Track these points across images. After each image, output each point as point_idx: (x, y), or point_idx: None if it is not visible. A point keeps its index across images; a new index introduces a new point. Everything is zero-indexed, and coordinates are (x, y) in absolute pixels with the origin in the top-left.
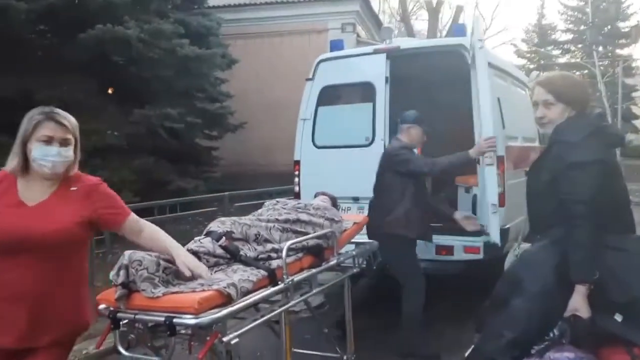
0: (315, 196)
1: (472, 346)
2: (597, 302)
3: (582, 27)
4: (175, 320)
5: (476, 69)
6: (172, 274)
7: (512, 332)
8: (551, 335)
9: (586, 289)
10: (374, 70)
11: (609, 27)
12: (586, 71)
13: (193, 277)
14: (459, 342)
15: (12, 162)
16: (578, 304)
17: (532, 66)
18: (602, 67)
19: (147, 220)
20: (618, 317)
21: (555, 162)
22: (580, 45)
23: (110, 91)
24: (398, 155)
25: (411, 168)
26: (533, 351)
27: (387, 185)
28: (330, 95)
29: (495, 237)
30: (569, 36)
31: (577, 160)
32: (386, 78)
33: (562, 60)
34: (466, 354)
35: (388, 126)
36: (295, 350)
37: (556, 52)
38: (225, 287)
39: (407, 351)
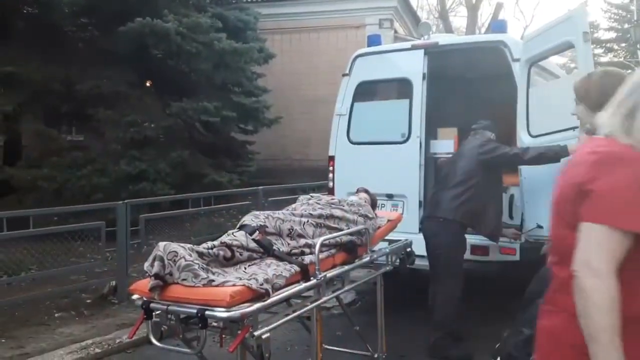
0: (357, 191)
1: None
2: None
3: (626, 26)
4: (207, 312)
5: (579, 64)
6: (211, 261)
7: (531, 329)
8: None
9: None
10: (412, 66)
11: None
12: (629, 71)
13: (231, 265)
14: (493, 343)
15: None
16: None
17: (573, 65)
18: None
19: (181, 212)
20: None
21: None
22: (623, 44)
23: (148, 84)
24: (486, 144)
25: (501, 151)
26: None
27: (462, 173)
28: (366, 91)
29: None
30: (612, 35)
31: None
32: (424, 74)
33: (605, 59)
34: (496, 347)
35: (424, 123)
36: (326, 346)
37: (599, 50)
38: (261, 285)
39: (439, 353)
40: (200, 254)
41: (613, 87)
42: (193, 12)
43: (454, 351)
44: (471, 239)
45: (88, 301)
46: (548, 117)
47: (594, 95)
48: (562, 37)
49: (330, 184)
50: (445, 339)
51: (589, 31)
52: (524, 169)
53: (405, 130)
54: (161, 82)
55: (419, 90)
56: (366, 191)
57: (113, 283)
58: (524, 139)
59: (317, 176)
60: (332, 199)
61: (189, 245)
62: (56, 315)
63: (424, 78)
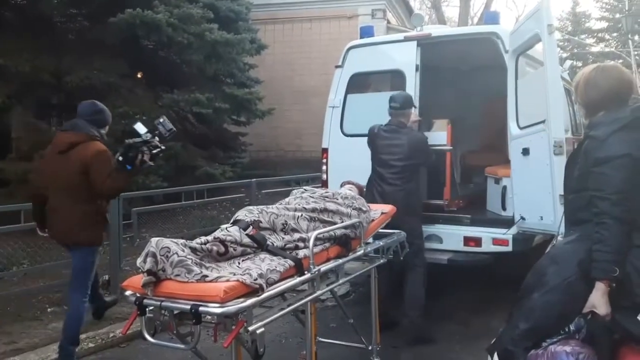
0: (342, 185)
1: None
2: (621, 302)
3: (617, 15)
4: (201, 308)
5: (545, 56)
6: (204, 256)
7: (527, 323)
8: (567, 330)
9: (606, 286)
10: (405, 58)
11: None
12: (621, 60)
13: (225, 260)
14: (486, 333)
15: None
16: (596, 300)
17: (565, 55)
18: (637, 57)
19: (174, 205)
20: None
21: (584, 158)
22: (615, 34)
23: (139, 75)
24: (427, 145)
25: (426, 160)
26: (545, 344)
27: (415, 171)
28: (359, 83)
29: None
30: (604, 24)
31: (603, 155)
32: (417, 66)
33: (596, 49)
34: (492, 343)
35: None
36: (320, 339)
37: (590, 40)
38: (255, 280)
39: (417, 332)
40: (194, 250)
41: (606, 82)
42: (184, 3)
43: (428, 332)
44: (464, 230)
45: None
46: (532, 108)
47: (585, 90)
48: (532, 30)
49: (324, 176)
50: (420, 318)
51: (553, 24)
52: (514, 162)
53: None
54: (152, 74)
55: (412, 82)
56: (350, 182)
57: (106, 277)
58: (512, 130)
59: (310, 167)
60: (326, 192)
61: (181, 241)
62: (48, 310)
63: (417, 70)
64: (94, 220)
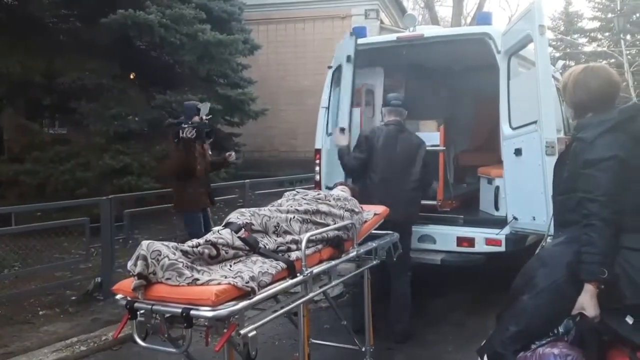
0: (334, 186)
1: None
2: (610, 303)
3: (609, 15)
4: (192, 312)
5: (536, 57)
6: (196, 259)
7: (518, 325)
8: (556, 332)
9: (595, 288)
10: (343, 50)
11: (638, 15)
12: (613, 60)
13: (217, 262)
14: (480, 333)
15: None
16: (585, 302)
17: (557, 54)
18: (629, 56)
19: (167, 206)
20: (629, 320)
21: (572, 160)
22: (607, 34)
23: (132, 76)
24: (422, 152)
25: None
26: (534, 346)
27: (415, 180)
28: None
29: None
30: (596, 24)
31: (591, 157)
32: (348, 57)
33: (589, 48)
34: (482, 345)
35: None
36: (313, 340)
37: (582, 40)
38: (246, 283)
39: (409, 334)
40: (185, 253)
41: (595, 82)
42: (176, 3)
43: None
44: (458, 230)
45: (73, 298)
46: (525, 109)
47: (574, 91)
48: (524, 30)
49: (317, 177)
50: (410, 320)
51: (545, 24)
52: (506, 162)
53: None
54: (145, 75)
55: (348, 73)
56: (343, 184)
57: (98, 279)
58: (505, 131)
59: (304, 167)
60: (318, 194)
61: (172, 244)
62: (40, 313)
63: (348, 60)
64: (184, 192)
